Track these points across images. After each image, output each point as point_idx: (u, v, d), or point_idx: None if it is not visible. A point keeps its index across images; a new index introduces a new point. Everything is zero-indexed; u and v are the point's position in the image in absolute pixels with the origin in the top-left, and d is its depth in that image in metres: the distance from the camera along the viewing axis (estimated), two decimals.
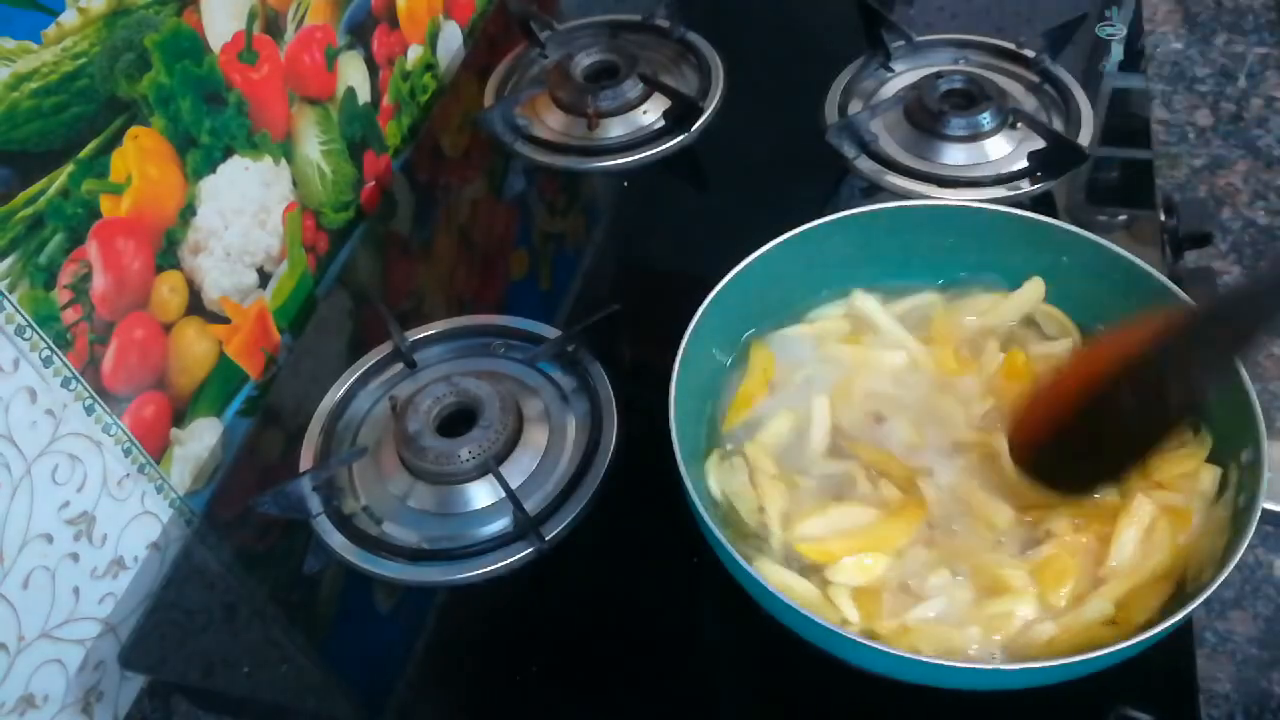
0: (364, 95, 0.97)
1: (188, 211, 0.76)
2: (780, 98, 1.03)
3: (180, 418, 0.78)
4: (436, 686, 0.68)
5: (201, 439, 0.80)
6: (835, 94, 0.99)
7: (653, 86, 1.00)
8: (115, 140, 0.69)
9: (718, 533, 0.58)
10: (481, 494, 0.73)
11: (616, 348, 0.80)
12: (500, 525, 0.72)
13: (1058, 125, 0.93)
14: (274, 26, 0.83)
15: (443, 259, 0.95)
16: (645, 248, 0.95)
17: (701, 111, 0.98)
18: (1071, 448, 0.62)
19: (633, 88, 1.00)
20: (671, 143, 0.98)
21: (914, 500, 0.65)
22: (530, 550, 0.70)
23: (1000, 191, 0.88)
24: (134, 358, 0.72)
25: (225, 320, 0.82)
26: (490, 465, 0.72)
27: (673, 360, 0.66)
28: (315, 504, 0.73)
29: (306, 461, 0.77)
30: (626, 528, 0.72)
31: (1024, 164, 0.89)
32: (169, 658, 0.69)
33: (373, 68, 0.98)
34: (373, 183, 1.00)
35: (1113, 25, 1.04)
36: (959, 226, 0.75)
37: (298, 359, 0.87)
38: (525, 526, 0.70)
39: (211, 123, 0.78)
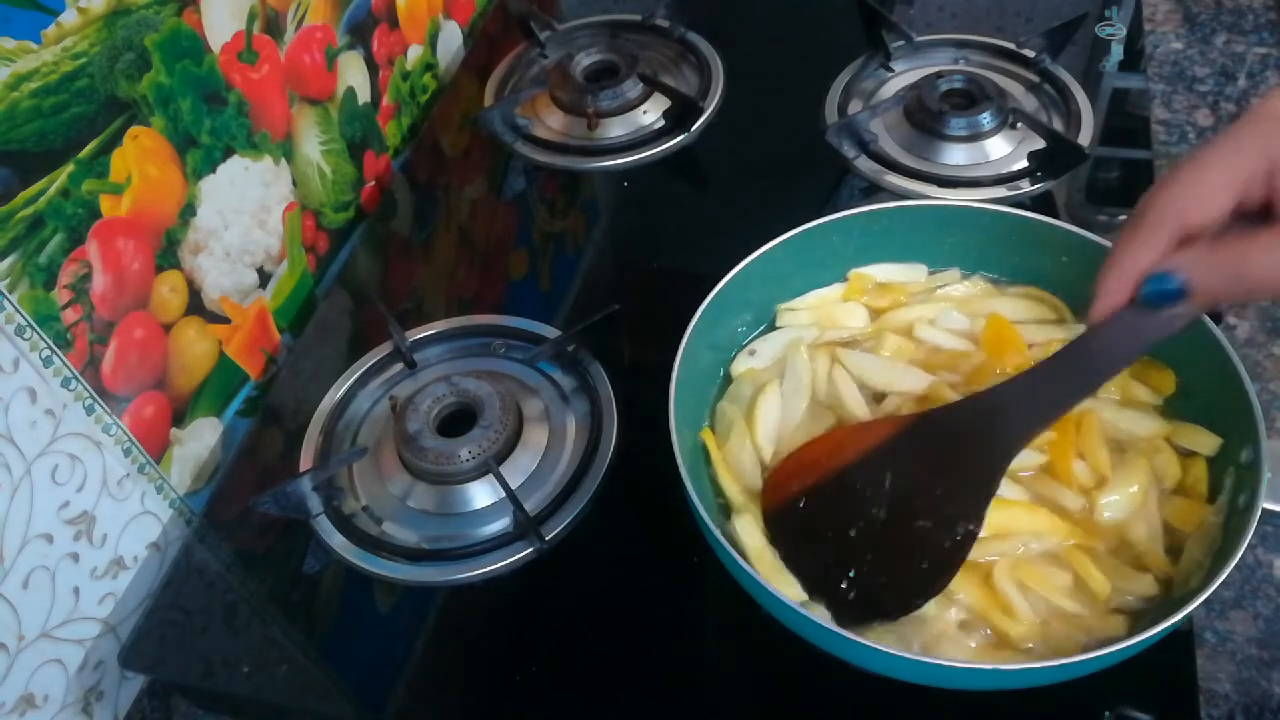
0: (364, 95, 0.97)
1: (188, 211, 0.76)
2: (780, 98, 1.03)
3: (180, 418, 0.78)
4: (436, 686, 0.68)
5: (201, 439, 0.80)
6: (835, 94, 0.99)
7: (653, 86, 1.00)
8: (115, 140, 0.69)
9: (717, 532, 0.58)
10: (481, 494, 0.73)
11: (616, 348, 0.80)
12: (500, 525, 0.72)
13: (1058, 125, 0.93)
14: (274, 26, 0.83)
15: (443, 259, 0.95)
16: (645, 248, 0.95)
17: (701, 111, 0.98)
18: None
19: (633, 88, 1.00)
20: (671, 143, 0.98)
21: None
22: (530, 550, 0.70)
23: (1000, 191, 0.88)
24: (134, 358, 0.72)
25: (225, 320, 0.82)
26: (490, 465, 0.72)
27: (673, 360, 0.66)
28: (315, 504, 0.73)
29: (306, 461, 0.77)
30: (626, 528, 0.72)
31: (1024, 164, 0.89)
32: (169, 658, 0.69)
33: (373, 68, 0.98)
34: (373, 183, 1.00)
35: (1113, 25, 1.04)
36: (959, 226, 0.75)
37: (298, 359, 0.87)
38: (525, 526, 0.70)
39: (211, 123, 0.78)
